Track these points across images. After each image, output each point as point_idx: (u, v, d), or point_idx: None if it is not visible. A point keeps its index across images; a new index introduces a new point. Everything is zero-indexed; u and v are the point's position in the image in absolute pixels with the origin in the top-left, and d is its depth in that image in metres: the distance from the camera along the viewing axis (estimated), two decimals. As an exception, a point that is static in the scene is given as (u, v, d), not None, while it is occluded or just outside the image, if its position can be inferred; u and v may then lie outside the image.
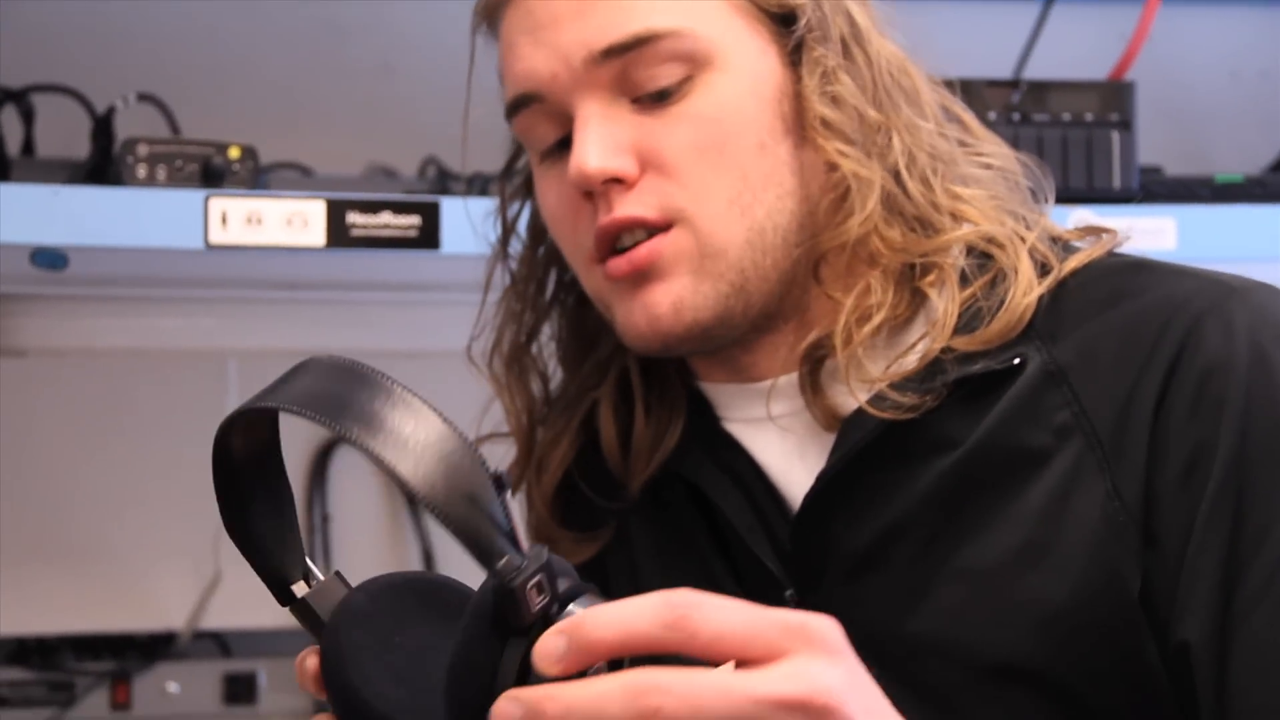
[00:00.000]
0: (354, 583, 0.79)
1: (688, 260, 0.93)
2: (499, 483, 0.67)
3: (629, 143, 0.93)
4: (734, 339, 0.97)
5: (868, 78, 0.96)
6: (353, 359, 0.71)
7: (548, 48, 0.94)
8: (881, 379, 0.92)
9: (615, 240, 0.94)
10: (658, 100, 0.93)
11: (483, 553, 0.66)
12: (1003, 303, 0.92)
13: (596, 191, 0.94)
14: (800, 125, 0.95)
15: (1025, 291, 0.92)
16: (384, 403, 0.67)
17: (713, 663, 0.64)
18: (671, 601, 0.64)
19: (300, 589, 0.78)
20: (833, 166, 0.94)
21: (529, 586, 0.66)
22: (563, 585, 0.67)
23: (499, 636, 0.67)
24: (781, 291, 0.96)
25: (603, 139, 0.93)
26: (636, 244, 0.94)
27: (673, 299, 0.93)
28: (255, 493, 0.76)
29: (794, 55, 0.95)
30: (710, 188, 0.93)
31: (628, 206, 0.93)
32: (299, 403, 0.69)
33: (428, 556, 1.87)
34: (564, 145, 0.96)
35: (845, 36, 0.96)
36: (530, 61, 0.95)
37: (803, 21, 0.94)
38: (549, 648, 0.64)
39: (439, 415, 0.67)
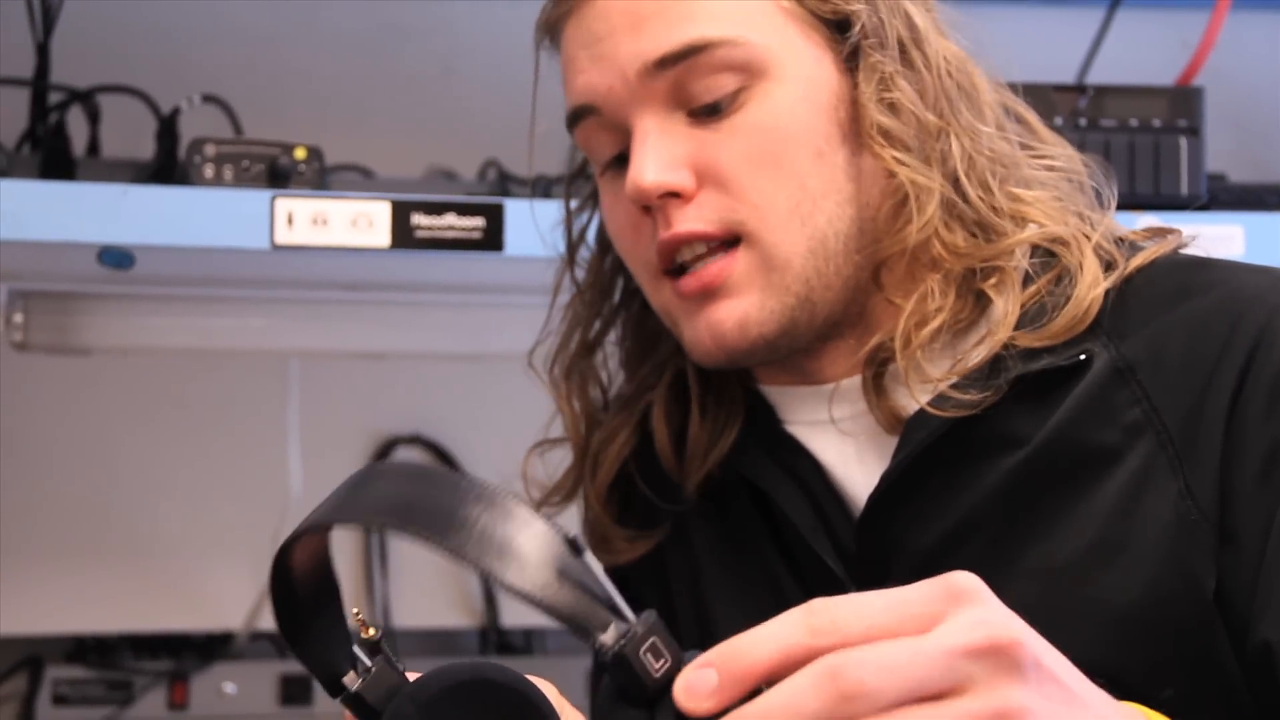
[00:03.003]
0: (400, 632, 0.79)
1: (754, 277, 0.94)
2: (574, 547, 0.66)
3: (685, 156, 0.94)
4: (800, 348, 0.97)
5: (926, 82, 0.96)
6: (395, 464, 0.71)
7: (604, 61, 0.95)
8: (943, 378, 0.93)
9: (675, 254, 0.95)
10: (713, 112, 0.94)
11: (584, 628, 0.65)
12: (1068, 298, 0.92)
13: (654, 206, 0.95)
14: (857, 132, 0.95)
15: (1091, 286, 0.92)
16: (446, 494, 0.67)
17: None
18: (812, 609, 0.63)
19: (351, 680, 0.77)
20: (891, 174, 0.95)
21: (642, 653, 0.65)
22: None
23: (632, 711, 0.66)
24: (846, 298, 0.96)
25: (659, 153, 0.93)
26: (697, 257, 0.95)
27: (738, 316, 0.94)
28: (313, 602, 0.75)
29: (850, 61, 0.96)
30: (769, 199, 0.93)
31: (687, 222, 0.94)
32: (352, 517, 0.69)
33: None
34: (623, 159, 0.97)
35: (903, 40, 0.96)
36: (587, 75, 0.96)
37: (858, 27, 0.95)
38: (696, 684, 0.63)
39: (522, 505, 0.67)
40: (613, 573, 1.10)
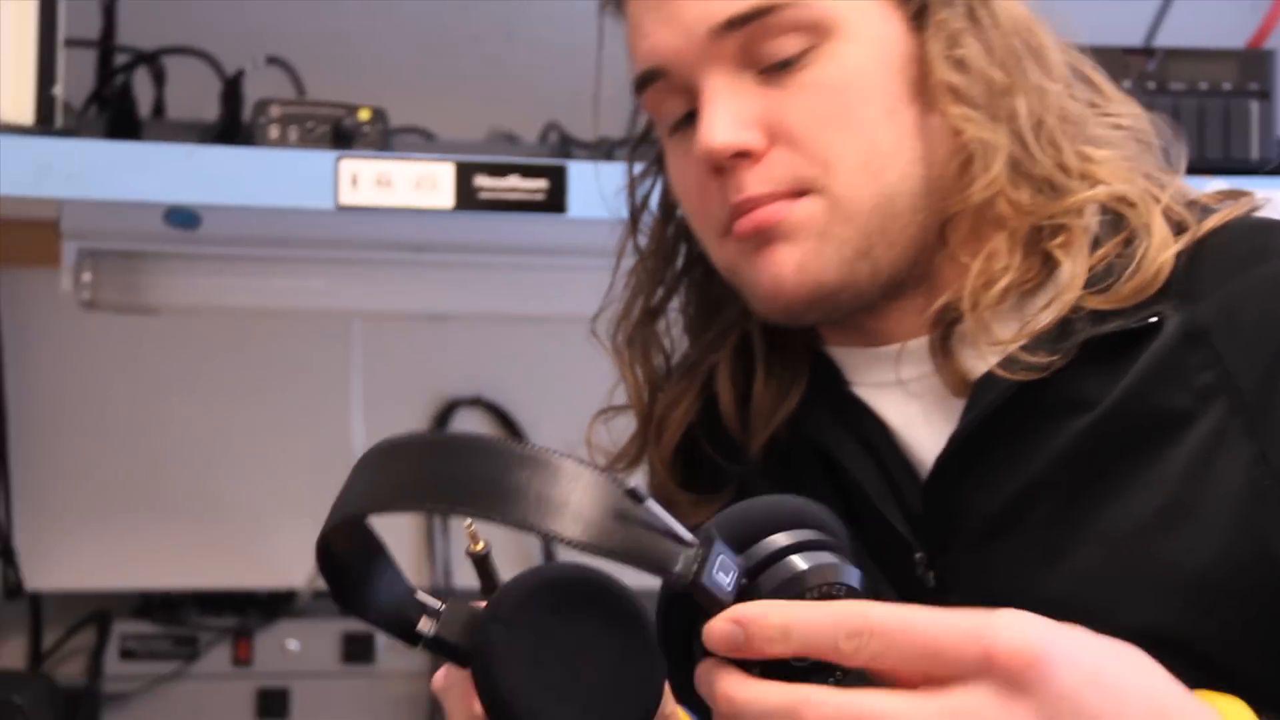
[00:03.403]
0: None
1: (814, 224, 0.94)
2: (635, 496, 0.67)
3: (755, 115, 0.94)
4: (863, 305, 0.97)
5: (994, 40, 0.95)
6: (426, 433, 0.71)
7: (671, 22, 0.95)
8: (1012, 340, 0.92)
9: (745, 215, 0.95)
10: (782, 71, 0.94)
11: (653, 565, 0.67)
12: (1137, 261, 0.92)
13: (725, 166, 0.94)
14: (925, 90, 0.95)
15: (1160, 249, 0.92)
16: (494, 466, 0.67)
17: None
18: (852, 624, 0.66)
19: (425, 626, 0.78)
20: (958, 131, 0.94)
21: (711, 574, 0.67)
22: (777, 541, 0.69)
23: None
24: (911, 256, 0.96)
25: (728, 113, 0.93)
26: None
27: (797, 260, 0.94)
28: (362, 569, 0.76)
29: (917, 19, 0.95)
30: (839, 156, 0.93)
31: (758, 184, 0.94)
32: (390, 502, 0.69)
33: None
34: (691, 119, 0.97)
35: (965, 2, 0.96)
36: (655, 37, 0.96)
37: None
38: (721, 634, 0.67)
39: (553, 453, 0.67)
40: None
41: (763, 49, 0.93)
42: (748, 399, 1.05)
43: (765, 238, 0.94)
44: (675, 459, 1.08)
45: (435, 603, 0.78)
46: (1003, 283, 0.93)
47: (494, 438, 0.69)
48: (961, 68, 0.94)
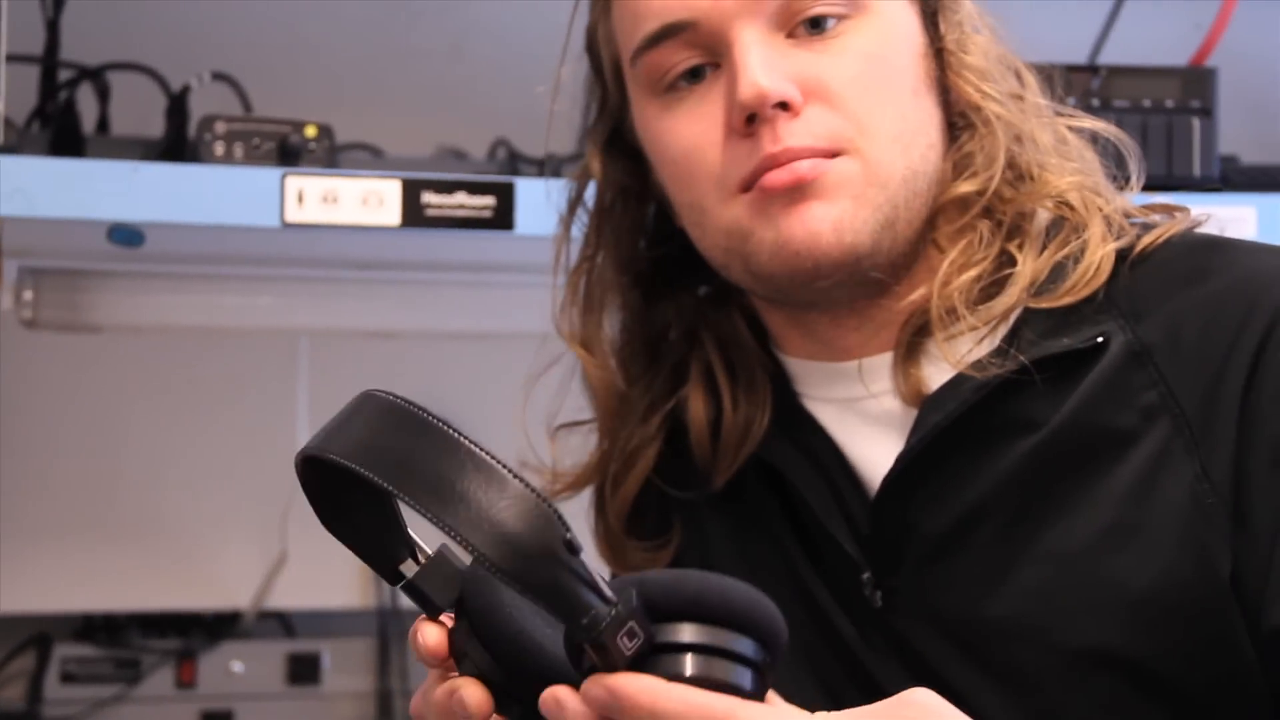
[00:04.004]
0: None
1: (850, 185, 0.93)
2: (571, 548, 0.67)
3: (792, 72, 0.93)
4: (866, 281, 0.96)
5: (988, 47, 0.99)
6: (414, 404, 0.70)
7: None
8: (970, 328, 0.93)
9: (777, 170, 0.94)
10: (817, 31, 0.94)
11: (567, 611, 0.66)
12: (1077, 260, 0.93)
13: (764, 117, 0.93)
14: (937, 85, 0.98)
15: (1097, 248, 0.93)
16: (451, 462, 0.67)
17: None
18: (724, 711, 0.67)
19: (409, 568, 0.77)
20: (959, 128, 0.97)
21: (619, 636, 0.67)
22: (686, 635, 0.68)
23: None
24: (913, 239, 0.96)
25: (769, 63, 0.93)
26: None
27: (834, 219, 0.93)
28: (347, 494, 0.75)
29: (930, 20, 0.98)
30: (876, 120, 0.94)
31: (798, 136, 0.93)
32: (359, 457, 0.69)
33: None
34: (696, 75, 0.96)
35: (966, 9, 1.00)
36: None
37: None
38: (596, 699, 0.67)
39: (507, 471, 0.67)
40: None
41: (803, 9, 0.94)
42: (717, 426, 1.05)
43: (801, 194, 0.93)
44: (631, 510, 1.08)
45: (426, 547, 0.77)
46: (976, 270, 0.94)
47: (463, 438, 0.68)
48: (972, 56, 0.98)
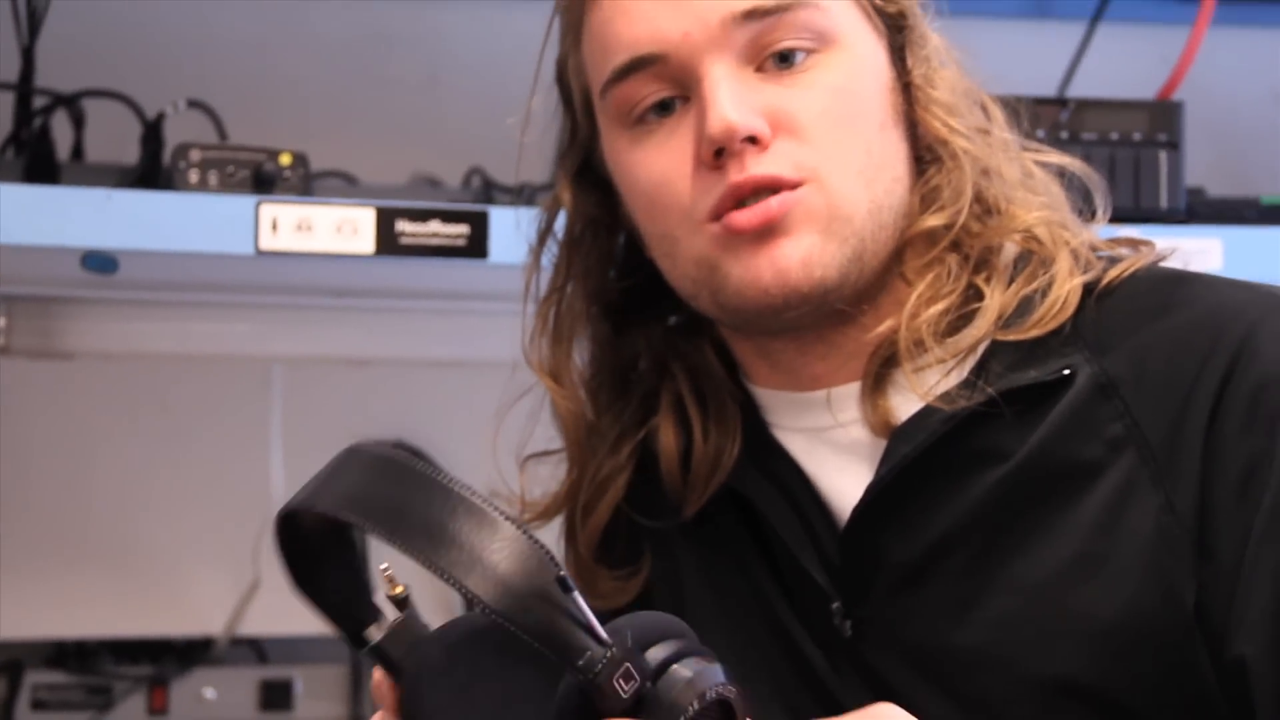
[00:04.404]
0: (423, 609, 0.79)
1: (818, 219, 0.94)
2: (564, 585, 0.67)
3: (761, 106, 0.94)
4: (836, 312, 0.96)
5: (955, 81, 1.00)
6: (402, 453, 0.70)
7: (680, 8, 0.94)
8: (937, 360, 0.93)
9: (742, 200, 0.94)
10: (785, 66, 0.95)
11: (562, 653, 0.67)
12: (1045, 293, 0.94)
13: (731, 150, 0.93)
14: (904, 118, 0.98)
15: (1064, 281, 0.94)
16: (443, 508, 0.67)
17: None
18: None
19: (373, 633, 0.78)
20: (925, 162, 0.98)
21: (615, 678, 0.67)
22: (660, 652, 0.69)
23: None
24: (880, 271, 0.97)
25: (738, 98, 0.93)
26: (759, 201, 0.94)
27: (803, 254, 0.93)
28: (322, 557, 0.76)
29: (896, 56, 0.99)
30: (842, 153, 0.94)
31: (764, 165, 0.93)
32: (353, 507, 0.69)
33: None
34: (665, 108, 0.96)
35: (934, 44, 1.00)
36: (657, 22, 0.95)
37: (910, 24, 0.98)
38: None
39: (501, 515, 0.68)
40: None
41: (772, 43, 0.94)
42: (688, 456, 1.05)
43: (770, 232, 0.93)
44: (600, 539, 1.08)
45: (392, 612, 0.77)
46: (944, 304, 0.95)
47: (448, 478, 0.69)
48: (939, 90, 0.98)
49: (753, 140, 0.93)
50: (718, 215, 0.94)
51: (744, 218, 0.93)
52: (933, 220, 0.97)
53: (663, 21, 0.94)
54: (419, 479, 0.69)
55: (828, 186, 0.94)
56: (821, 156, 0.94)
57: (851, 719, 0.73)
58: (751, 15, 0.93)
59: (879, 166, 0.96)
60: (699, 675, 0.71)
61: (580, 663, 0.66)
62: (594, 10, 0.98)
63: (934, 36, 1.01)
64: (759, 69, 0.95)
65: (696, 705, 0.69)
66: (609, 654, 0.67)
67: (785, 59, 0.95)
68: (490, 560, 0.66)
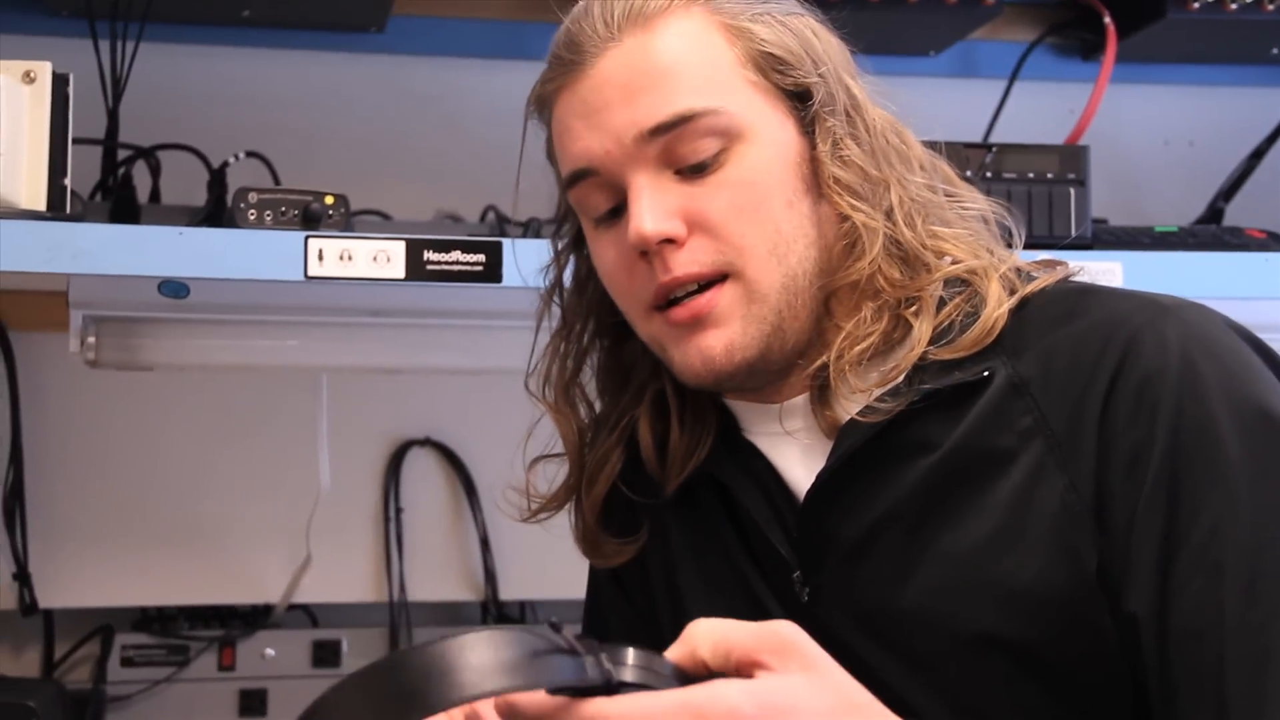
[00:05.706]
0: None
1: (737, 309, 0.94)
2: (554, 626, 0.68)
3: (677, 208, 0.93)
4: (774, 371, 0.97)
5: (867, 140, 0.97)
6: (381, 669, 0.67)
7: (601, 129, 0.94)
8: (870, 387, 0.93)
9: (670, 293, 0.95)
10: (698, 171, 0.94)
11: (575, 681, 0.68)
12: (976, 318, 0.93)
13: (652, 251, 0.94)
14: (816, 185, 0.96)
15: (995, 307, 0.93)
16: (439, 671, 0.66)
17: None
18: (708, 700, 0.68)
19: None
20: (844, 218, 0.95)
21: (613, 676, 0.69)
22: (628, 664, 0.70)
23: None
24: (810, 327, 0.96)
25: (655, 206, 0.93)
26: (688, 294, 0.94)
27: (725, 343, 0.94)
28: None
29: (807, 126, 0.96)
30: (751, 241, 0.93)
31: (683, 265, 0.93)
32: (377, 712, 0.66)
33: (485, 542, 1.88)
34: (615, 213, 0.96)
35: (847, 107, 0.97)
36: (585, 141, 0.95)
37: (815, 98, 0.96)
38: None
39: (469, 636, 0.66)
40: (610, 575, 1.10)
41: (682, 151, 0.93)
42: (665, 445, 1.05)
43: (700, 324, 0.94)
44: (603, 507, 1.08)
45: None
46: (865, 344, 0.94)
47: (414, 651, 0.66)
48: (845, 165, 0.95)
49: (670, 240, 0.93)
50: (658, 306, 0.95)
51: (679, 314, 0.94)
52: (851, 276, 0.95)
53: (590, 140, 0.95)
54: (397, 668, 0.67)
55: (745, 275, 0.93)
56: (733, 249, 0.93)
57: (756, 629, 0.72)
58: (658, 130, 0.93)
59: (790, 240, 0.94)
60: (648, 656, 0.71)
61: (590, 676, 0.68)
62: (553, 122, 0.99)
63: (852, 89, 0.98)
64: (678, 171, 0.94)
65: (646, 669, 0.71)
66: (596, 660, 0.68)
67: (696, 166, 0.94)
68: (479, 664, 0.66)
